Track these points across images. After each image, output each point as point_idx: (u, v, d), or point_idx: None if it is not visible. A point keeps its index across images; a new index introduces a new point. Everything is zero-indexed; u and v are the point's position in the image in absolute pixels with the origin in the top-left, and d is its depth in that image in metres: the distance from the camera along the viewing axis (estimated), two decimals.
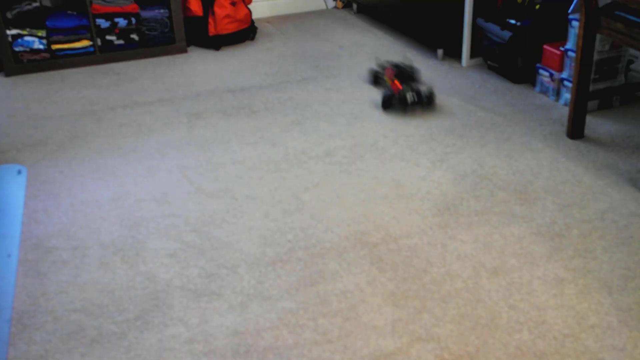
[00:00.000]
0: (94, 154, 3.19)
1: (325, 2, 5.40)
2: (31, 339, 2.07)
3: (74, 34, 4.20)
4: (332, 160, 3.05)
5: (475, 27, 3.96)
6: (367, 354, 1.96)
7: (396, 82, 3.61)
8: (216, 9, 4.41)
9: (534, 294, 2.17)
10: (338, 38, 4.67)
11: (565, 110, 3.44)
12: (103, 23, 4.23)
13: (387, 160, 3.03)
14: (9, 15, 4.13)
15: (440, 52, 4.19)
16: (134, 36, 4.32)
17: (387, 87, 3.62)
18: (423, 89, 3.58)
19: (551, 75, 3.56)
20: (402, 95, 3.49)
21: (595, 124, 3.30)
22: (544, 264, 2.32)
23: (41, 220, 2.67)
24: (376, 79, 3.83)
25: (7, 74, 4.16)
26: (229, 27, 4.51)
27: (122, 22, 4.26)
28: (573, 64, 3.37)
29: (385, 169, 2.96)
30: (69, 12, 4.30)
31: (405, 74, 3.73)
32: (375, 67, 3.92)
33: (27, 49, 4.14)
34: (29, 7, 4.18)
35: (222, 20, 4.45)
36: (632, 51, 3.59)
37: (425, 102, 3.52)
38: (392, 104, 3.52)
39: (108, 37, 4.28)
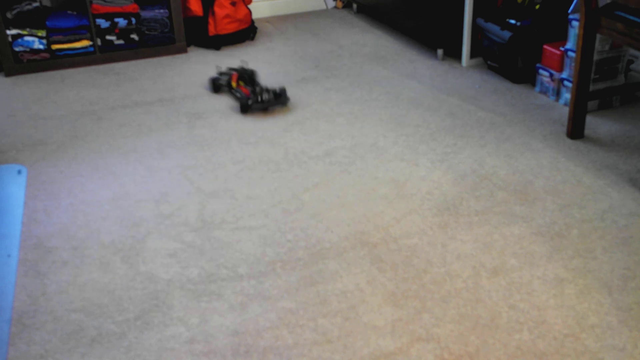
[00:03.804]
0: (94, 154, 3.19)
1: (325, 2, 5.40)
2: (31, 339, 2.07)
3: (74, 34, 4.20)
4: (332, 160, 3.05)
5: (475, 27, 3.96)
6: (367, 354, 1.96)
7: (241, 86, 3.70)
8: (216, 9, 4.41)
9: (534, 294, 2.17)
10: (338, 38, 4.67)
11: (565, 110, 3.44)
12: (103, 23, 4.23)
13: (387, 160, 3.03)
14: (9, 15, 4.13)
15: (440, 52, 4.19)
16: (134, 36, 4.32)
17: (237, 92, 3.64)
18: (272, 88, 3.61)
19: (551, 75, 3.56)
20: (257, 96, 3.54)
21: (595, 124, 3.30)
22: (544, 264, 2.32)
23: (41, 220, 2.67)
24: (216, 87, 3.81)
25: (7, 74, 4.16)
26: (229, 27, 4.51)
27: (122, 22, 4.26)
28: (573, 64, 3.37)
29: (385, 169, 2.96)
30: (69, 12, 4.30)
31: (245, 77, 3.79)
32: (216, 74, 3.90)
33: (27, 49, 4.14)
34: (29, 7, 4.18)
35: (222, 20, 4.45)
36: (632, 51, 3.59)
37: (280, 100, 3.56)
38: (251, 107, 3.53)
39: (108, 37, 4.28)
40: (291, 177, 2.92)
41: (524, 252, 2.38)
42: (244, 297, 2.21)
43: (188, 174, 2.98)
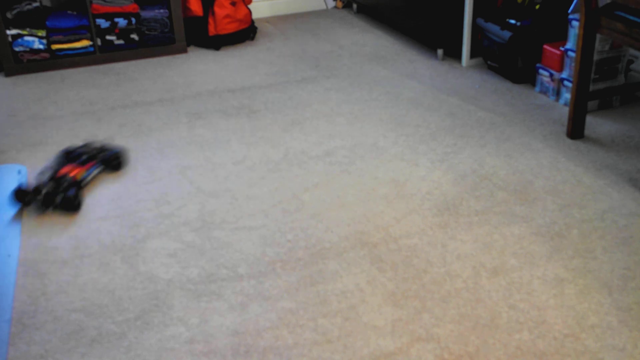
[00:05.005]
0: None
1: (325, 2, 5.40)
2: (31, 339, 2.07)
3: (74, 34, 4.20)
4: (332, 160, 3.05)
5: (475, 27, 3.96)
6: (367, 354, 1.96)
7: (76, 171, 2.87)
8: (216, 9, 4.41)
9: (534, 294, 2.17)
10: (338, 38, 4.67)
11: (565, 110, 3.44)
12: (103, 23, 4.23)
13: (387, 160, 3.03)
14: (9, 15, 4.13)
15: (440, 52, 4.19)
16: (134, 36, 4.32)
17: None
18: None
19: (551, 75, 3.56)
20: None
21: (595, 124, 3.30)
22: (544, 264, 2.32)
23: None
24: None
25: (7, 74, 4.16)
26: (229, 27, 4.51)
27: (122, 22, 4.26)
28: (573, 64, 3.37)
29: (385, 169, 2.96)
30: (69, 12, 4.30)
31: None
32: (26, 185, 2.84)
33: (27, 49, 4.14)
34: (29, 7, 4.18)
35: (222, 20, 4.45)
36: (632, 51, 3.59)
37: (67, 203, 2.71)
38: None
39: (108, 37, 4.28)
40: (291, 177, 2.92)
41: (524, 252, 2.38)
42: (244, 297, 2.21)
43: (188, 174, 2.98)
